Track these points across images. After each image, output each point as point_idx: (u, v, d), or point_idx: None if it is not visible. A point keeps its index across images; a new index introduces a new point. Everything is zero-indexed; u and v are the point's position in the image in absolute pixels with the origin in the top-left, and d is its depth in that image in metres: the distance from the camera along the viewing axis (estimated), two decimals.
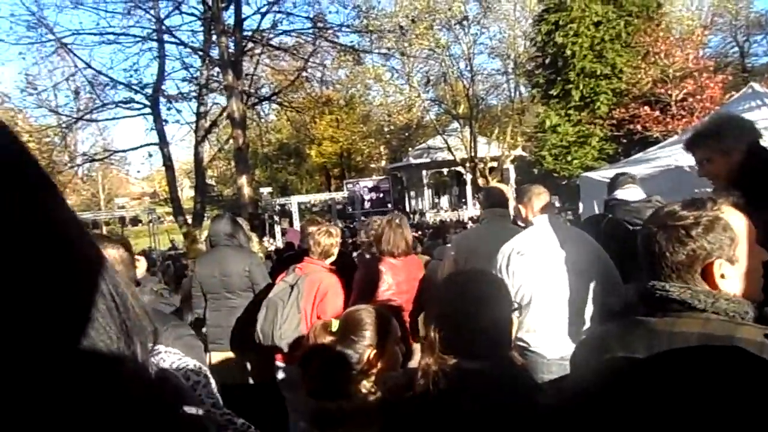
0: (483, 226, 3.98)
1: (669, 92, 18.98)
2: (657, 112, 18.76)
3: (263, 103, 23.11)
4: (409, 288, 3.93)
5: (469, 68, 26.18)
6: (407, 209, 35.56)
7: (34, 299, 0.45)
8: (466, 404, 1.58)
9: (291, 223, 33.25)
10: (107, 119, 22.37)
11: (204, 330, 4.66)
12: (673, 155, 8.13)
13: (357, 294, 3.84)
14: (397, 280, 3.90)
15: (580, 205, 10.03)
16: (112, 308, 0.51)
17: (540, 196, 3.70)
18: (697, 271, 1.39)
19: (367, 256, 5.22)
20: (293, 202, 30.85)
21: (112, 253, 2.08)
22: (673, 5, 25.81)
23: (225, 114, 20.50)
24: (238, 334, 4.53)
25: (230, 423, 1.65)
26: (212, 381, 1.71)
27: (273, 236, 32.29)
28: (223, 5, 17.85)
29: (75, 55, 18.49)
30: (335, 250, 4.07)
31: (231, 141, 20.94)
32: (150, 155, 21.91)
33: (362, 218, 34.84)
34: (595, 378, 1.45)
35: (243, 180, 18.05)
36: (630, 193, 4.07)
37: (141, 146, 22.66)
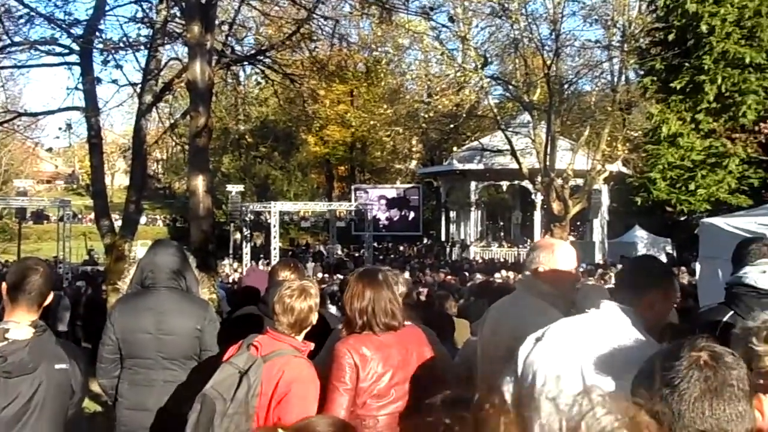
0: (513, 299, 3.25)
1: None
2: None
3: (244, 64, 18.04)
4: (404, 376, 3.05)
5: (553, 35, 20.39)
6: (443, 236, 28.62)
7: None
8: None
9: (267, 242, 26.57)
10: (15, 66, 16.17)
11: (117, 416, 3.57)
12: None
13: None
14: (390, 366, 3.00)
15: (697, 266, 7.38)
16: None
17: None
18: None
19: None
20: (274, 210, 24.36)
21: None
22: None
23: (184, 77, 14.91)
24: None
25: None
26: None
27: (239, 259, 25.54)
28: None
29: None
30: (314, 318, 3.05)
31: (188, 117, 16.44)
32: (69, 126, 16.49)
33: (374, 245, 28.47)
34: None
35: (198, 182, 11.95)
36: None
37: (60, 110, 16.55)
